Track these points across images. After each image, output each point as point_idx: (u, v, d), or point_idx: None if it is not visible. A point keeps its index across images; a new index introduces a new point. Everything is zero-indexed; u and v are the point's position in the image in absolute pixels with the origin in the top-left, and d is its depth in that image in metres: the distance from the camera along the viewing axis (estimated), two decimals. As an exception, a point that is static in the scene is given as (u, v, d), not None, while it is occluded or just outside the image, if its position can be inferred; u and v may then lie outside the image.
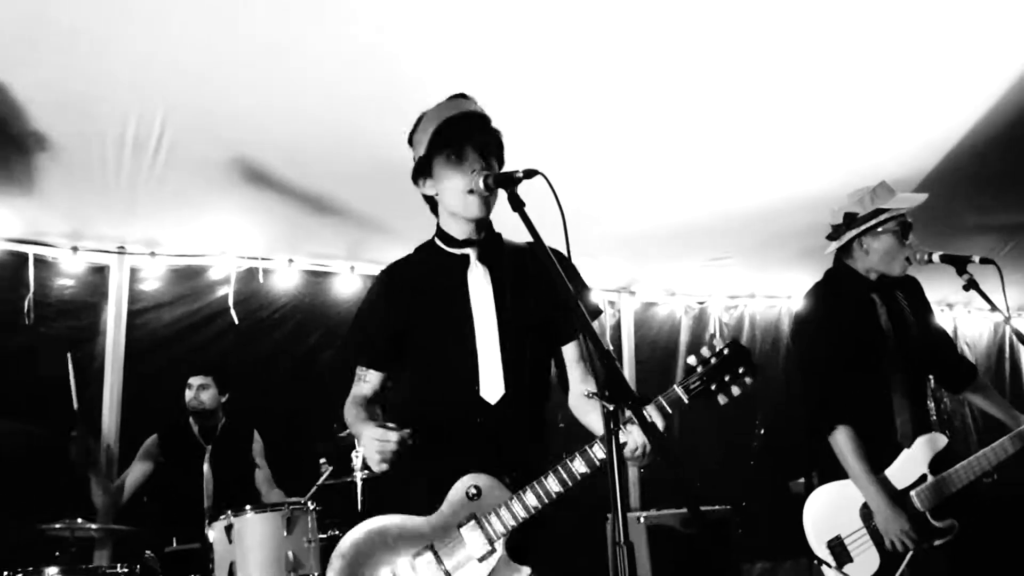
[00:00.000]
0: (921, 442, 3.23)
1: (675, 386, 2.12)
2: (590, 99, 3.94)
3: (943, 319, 7.23)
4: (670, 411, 2.11)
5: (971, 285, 3.08)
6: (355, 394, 2.43)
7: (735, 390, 2.08)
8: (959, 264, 3.14)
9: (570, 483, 2.12)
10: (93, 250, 4.95)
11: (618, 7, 3.32)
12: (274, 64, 3.48)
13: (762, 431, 6.61)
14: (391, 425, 2.14)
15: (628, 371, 6.26)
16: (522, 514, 2.13)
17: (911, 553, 3.12)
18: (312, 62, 3.48)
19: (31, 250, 4.78)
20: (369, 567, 2.17)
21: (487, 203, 2.28)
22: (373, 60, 3.47)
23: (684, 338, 6.61)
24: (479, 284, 2.34)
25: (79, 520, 3.87)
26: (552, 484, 2.12)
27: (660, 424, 2.06)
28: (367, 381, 2.44)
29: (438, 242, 2.43)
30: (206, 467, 4.51)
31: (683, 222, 5.26)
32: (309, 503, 3.81)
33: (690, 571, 4.38)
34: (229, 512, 3.73)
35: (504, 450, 2.24)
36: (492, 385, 2.26)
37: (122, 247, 4.99)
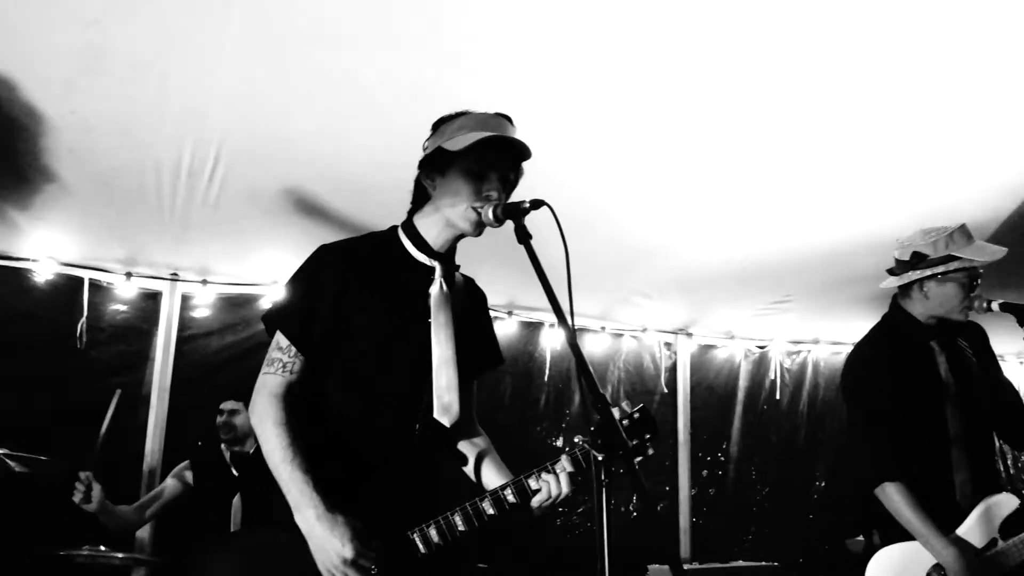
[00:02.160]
0: (992, 503, 3.02)
1: (582, 440, 2.11)
2: (650, 138, 3.85)
3: (1019, 371, 6.88)
4: (583, 465, 2.11)
5: None
6: (274, 391, 2.11)
7: (637, 457, 2.01)
8: (1020, 313, 2.94)
9: (476, 523, 2.07)
10: (147, 276, 4.99)
11: (683, 35, 3.22)
12: (328, 95, 3.47)
13: (822, 484, 6.33)
14: (363, 552, 1.97)
15: (682, 417, 6.07)
16: (423, 549, 2.07)
17: None
18: (364, 92, 3.46)
19: (86, 275, 4.82)
20: None
21: (483, 228, 2.19)
22: (424, 92, 3.42)
23: (743, 383, 6.40)
24: (441, 303, 2.23)
25: (102, 548, 3.85)
26: (457, 521, 2.08)
27: (565, 481, 2.07)
28: (292, 371, 2.12)
29: (405, 240, 2.30)
30: (237, 498, 4.46)
31: (743, 262, 5.09)
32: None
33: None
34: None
35: (420, 476, 2.18)
36: (447, 409, 2.16)
37: (175, 274, 5.02)
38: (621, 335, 6.07)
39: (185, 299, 5.10)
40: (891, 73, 3.45)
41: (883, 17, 3.15)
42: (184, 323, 5.09)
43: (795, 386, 6.48)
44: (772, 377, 6.41)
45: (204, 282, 5.04)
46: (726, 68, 3.40)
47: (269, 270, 5.07)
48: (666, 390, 6.11)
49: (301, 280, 2.22)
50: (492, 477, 2.30)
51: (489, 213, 2.09)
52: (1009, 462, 5.98)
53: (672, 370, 6.21)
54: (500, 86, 3.42)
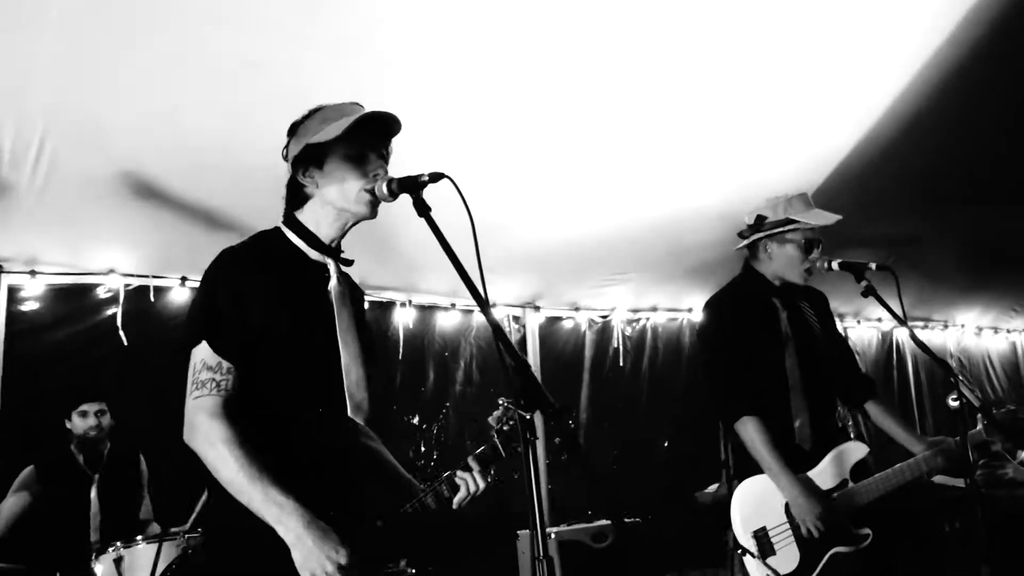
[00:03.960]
0: (844, 448, 3.32)
1: (493, 437, 2.14)
2: (493, 119, 3.94)
3: (852, 330, 7.51)
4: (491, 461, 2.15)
5: (869, 291, 3.16)
6: (213, 410, 1.99)
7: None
8: (857, 271, 3.22)
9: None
10: (-36, 270, 4.61)
11: (521, 17, 3.32)
12: (160, 75, 3.34)
13: (666, 443, 6.69)
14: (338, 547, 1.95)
15: (533, 387, 6.24)
16: None
17: (830, 554, 3.18)
18: (198, 73, 3.36)
19: None
20: None
21: (378, 207, 2.20)
22: (260, 70, 3.37)
23: (588, 352, 6.65)
24: (341, 300, 2.23)
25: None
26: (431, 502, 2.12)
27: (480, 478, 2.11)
28: (224, 388, 2.02)
29: (294, 238, 2.26)
30: (93, 497, 4.27)
31: (584, 237, 5.29)
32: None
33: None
34: (119, 544, 3.54)
35: (372, 470, 2.22)
36: (359, 406, 2.17)
37: (-1, 265, 4.71)
38: (471, 311, 6.18)
39: (11, 291, 4.75)
40: (709, 57, 3.69)
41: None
42: (12, 318, 4.75)
43: (636, 352, 6.80)
44: (615, 345, 6.69)
45: (32, 273, 4.73)
46: (554, 54, 3.54)
47: (105, 258, 4.81)
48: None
49: (213, 288, 2.13)
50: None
51: (383, 187, 2.09)
52: (860, 418, 6.50)
53: (522, 343, 6.37)
54: (341, 62, 3.39)
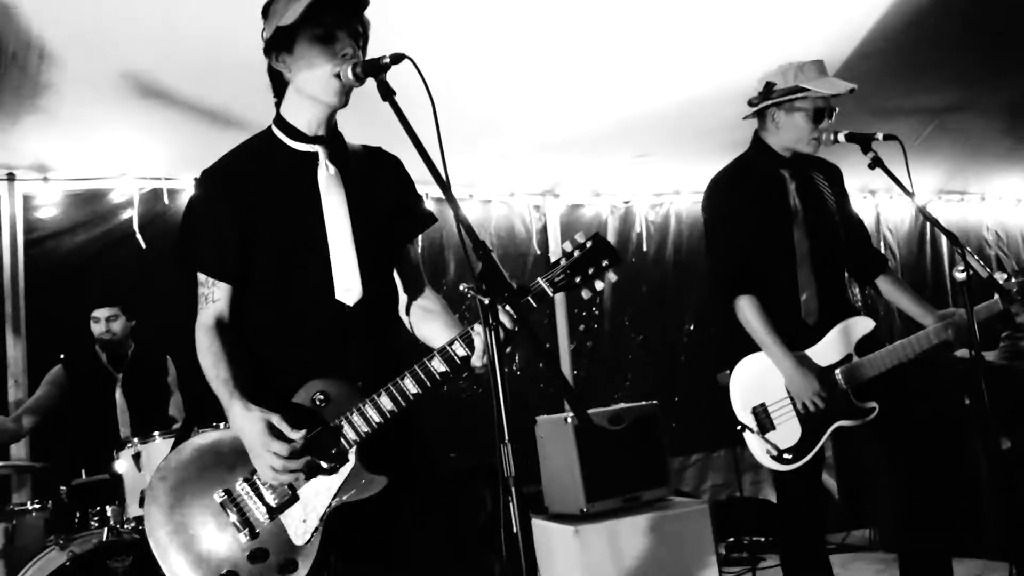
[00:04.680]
0: (850, 323, 3.26)
1: (539, 279, 2.04)
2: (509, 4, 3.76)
3: (866, 205, 7.32)
4: (535, 305, 2.04)
5: (876, 163, 3.05)
6: (205, 323, 2.14)
7: (598, 284, 2.04)
8: (864, 142, 3.10)
9: (429, 383, 2.04)
10: (-22, 179, 4.63)
11: None
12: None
13: (691, 326, 6.67)
14: (289, 436, 1.99)
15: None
16: (376, 419, 2.03)
17: (833, 426, 3.18)
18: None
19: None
20: (198, 488, 2.06)
21: (349, 92, 2.12)
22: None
23: (611, 238, 6.49)
24: (330, 184, 2.18)
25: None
26: (409, 385, 2.03)
27: (508, 323, 1.92)
28: (215, 299, 2.15)
29: (281, 135, 2.23)
30: (119, 396, 4.37)
31: (603, 122, 5.16)
32: (221, 425, 3.70)
33: (620, 468, 4.42)
34: (135, 440, 3.63)
35: (360, 354, 2.15)
36: (349, 288, 2.14)
37: (11, 174, 4.70)
38: (490, 201, 6.10)
39: (27, 199, 4.78)
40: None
41: None
42: (30, 225, 4.79)
43: (660, 237, 6.70)
44: (638, 230, 6.59)
45: (45, 179, 4.72)
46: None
47: (116, 161, 4.80)
48: (539, 252, 6.22)
49: (195, 213, 2.23)
50: (437, 333, 2.26)
51: (348, 72, 2.02)
52: (868, 291, 6.43)
53: (543, 232, 6.30)
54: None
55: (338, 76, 2.06)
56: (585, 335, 6.39)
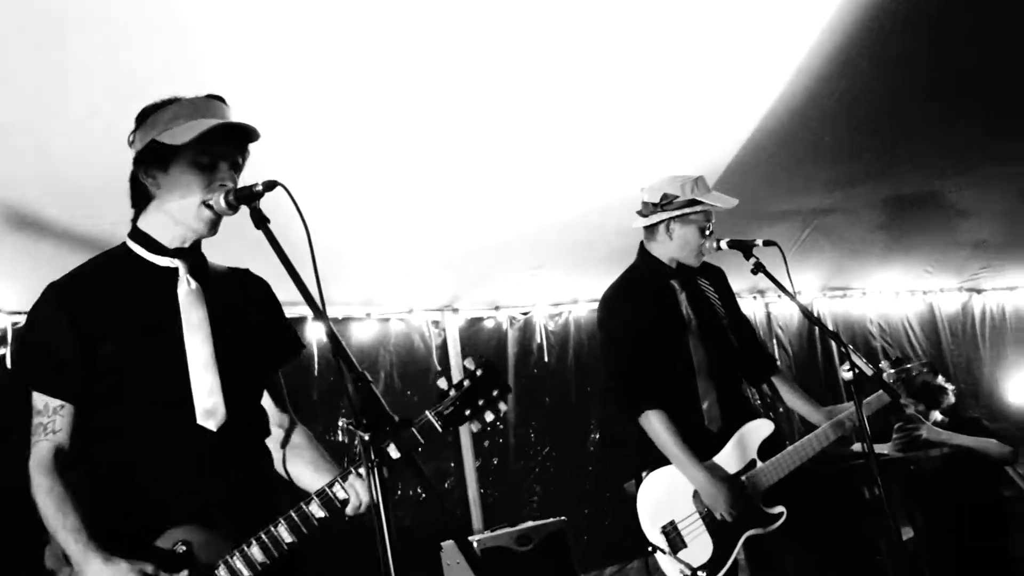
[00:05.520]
0: (749, 428, 3.27)
1: (428, 412, 2.01)
2: (402, 119, 3.82)
3: (756, 305, 7.53)
4: (422, 440, 1.99)
5: (758, 268, 3.14)
6: (43, 460, 1.94)
7: (488, 415, 2.03)
8: (745, 249, 3.21)
9: (305, 530, 1.93)
10: None
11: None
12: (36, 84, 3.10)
13: (596, 435, 6.62)
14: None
15: (459, 391, 6.08)
16: (247, 573, 1.89)
17: (745, 536, 3.13)
18: (82, 83, 3.14)
19: None
20: None
21: (219, 221, 2.06)
22: (150, 81, 3.14)
23: (512, 351, 6.52)
24: (191, 301, 2.09)
25: None
26: (283, 533, 1.91)
27: (395, 454, 1.90)
28: (55, 429, 1.96)
29: (137, 248, 2.13)
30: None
31: (500, 235, 5.21)
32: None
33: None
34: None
35: (226, 487, 2.01)
36: (211, 411, 2.01)
37: None
38: (388, 319, 6.00)
39: None
40: (611, 46, 3.64)
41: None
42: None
43: (561, 347, 6.70)
44: (539, 341, 6.59)
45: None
46: (462, 51, 3.45)
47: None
48: (439, 367, 6.12)
49: (33, 327, 2.07)
50: (306, 471, 2.17)
51: (221, 201, 1.97)
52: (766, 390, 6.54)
53: (443, 347, 6.22)
54: (228, 74, 3.21)
55: (210, 206, 2.00)
56: (491, 451, 6.26)
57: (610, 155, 4.52)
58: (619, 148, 4.44)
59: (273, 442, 2.27)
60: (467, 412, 2.02)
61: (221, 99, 2.13)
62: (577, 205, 4.99)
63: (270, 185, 1.85)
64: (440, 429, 2.00)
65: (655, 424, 3.19)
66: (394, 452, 1.88)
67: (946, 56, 4.31)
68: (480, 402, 2.02)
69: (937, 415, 4.86)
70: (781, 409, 6.74)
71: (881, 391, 3.23)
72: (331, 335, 1.66)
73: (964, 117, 5.05)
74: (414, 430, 1.98)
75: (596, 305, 6.77)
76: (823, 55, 4.04)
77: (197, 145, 2.00)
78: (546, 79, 3.75)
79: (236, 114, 2.17)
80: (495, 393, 2.03)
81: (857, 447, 4.54)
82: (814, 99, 4.37)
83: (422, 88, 3.63)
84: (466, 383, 2.03)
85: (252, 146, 2.14)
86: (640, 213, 3.50)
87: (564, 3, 3.36)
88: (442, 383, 2.06)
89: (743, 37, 3.83)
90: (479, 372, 2.03)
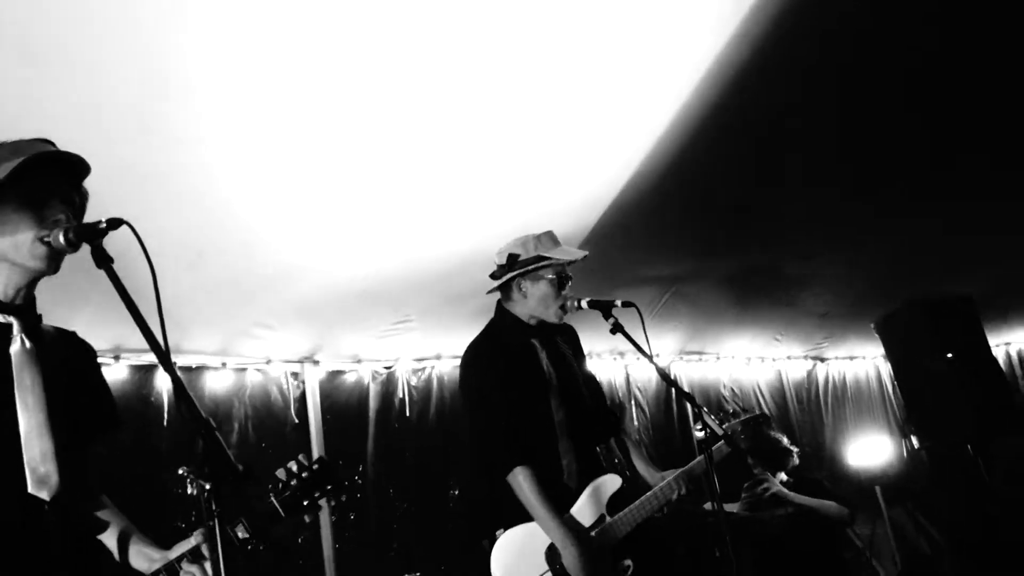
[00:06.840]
0: (599, 483, 3.32)
1: (272, 498, 2.04)
2: (261, 162, 3.73)
3: (616, 366, 7.71)
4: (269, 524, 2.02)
5: (616, 328, 3.23)
6: None
7: (322, 504, 2.09)
8: (605, 309, 3.29)
9: None
10: None
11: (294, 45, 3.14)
12: None
13: (456, 491, 6.57)
14: None
15: (316, 446, 5.93)
16: None
17: None
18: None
19: None
20: None
21: (60, 259, 1.97)
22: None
23: (373, 405, 6.41)
24: (24, 361, 1.97)
25: None
26: None
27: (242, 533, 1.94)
28: None
29: None
30: None
31: (361, 287, 5.14)
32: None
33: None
34: None
35: (63, 561, 1.90)
36: (44, 480, 1.89)
37: None
38: (245, 369, 5.80)
39: None
40: (480, 100, 3.68)
41: (476, 43, 3.35)
42: None
43: (423, 402, 6.64)
44: (401, 396, 6.51)
45: None
46: (325, 97, 3.41)
47: None
48: (297, 420, 5.95)
49: None
50: (126, 545, 2.09)
51: (60, 237, 1.88)
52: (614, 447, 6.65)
53: (301, 400, 6.04)
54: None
55: (47, 242, 1.90)
56: (347, 506, 6.09)
57: (474, 214, 4.58)
58: (483, 207, 4.51)
59: (105, 514, 2.19)
60: (305, 503, 2.06)
61: (49, 141, 2.06)
62: (441, 260, 5.01)
63: (114, 223, 1.78)
64: (283, 515, 2.03)
65: (522, 481, 3.19)
66: (242, 533, 1.86)
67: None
68: (316, 494, 2.07)
69: (783, 476, 5.06)
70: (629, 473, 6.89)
71: (719, 443, 3.36)
72: (175, 381, 1.59)
73: (803, 200, 5.41)
74: (267, 509, 2.03)
75: (458, 361, 6.78)
76: (676, 135, 4.26)
77: (22, 182, 1.91)
78: (406, 136, 3.77)
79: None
80: (328, 488, 2.08)
81: (708, 505, 4.68)
82: (675, 166, 4.57)
83: (287, 131, 3.60)
84: (304, 474, 2.06)
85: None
86: (492, 276, 3.56)
87: (432, 64, 3.40)
88: (280, 472, 2.09)
89: (605, 109, 3.98)
90: (315, 467, 2.09)
